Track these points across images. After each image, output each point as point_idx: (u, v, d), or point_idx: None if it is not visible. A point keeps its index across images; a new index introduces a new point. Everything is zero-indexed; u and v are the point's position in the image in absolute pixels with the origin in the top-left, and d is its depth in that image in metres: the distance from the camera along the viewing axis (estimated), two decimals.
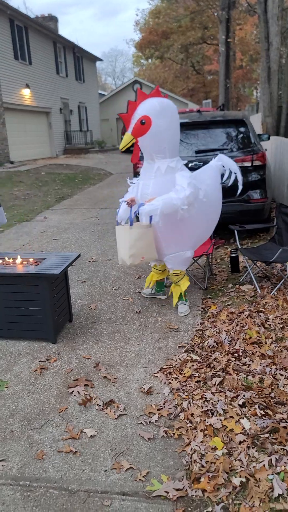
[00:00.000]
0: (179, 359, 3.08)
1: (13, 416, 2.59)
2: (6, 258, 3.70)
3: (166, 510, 1.90)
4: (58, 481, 2.08)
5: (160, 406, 2.60)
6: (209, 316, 3.75)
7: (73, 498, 1.99)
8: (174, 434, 2.36)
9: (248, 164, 5.55)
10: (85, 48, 25.47)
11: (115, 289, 4.53)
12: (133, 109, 3.39)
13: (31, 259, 3.66)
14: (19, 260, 3.63)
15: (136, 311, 3.96)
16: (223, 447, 2.19)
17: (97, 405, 2.65)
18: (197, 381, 2.78)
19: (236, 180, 3.79)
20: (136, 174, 5.85)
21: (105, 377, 2.92)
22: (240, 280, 4.49)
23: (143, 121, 3.28)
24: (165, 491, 1.97)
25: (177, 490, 1.98)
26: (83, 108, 26.03)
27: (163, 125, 3.34)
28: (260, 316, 3.59)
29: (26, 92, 18.55)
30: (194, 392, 2.66)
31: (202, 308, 3.95)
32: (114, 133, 31.14)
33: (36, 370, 3.06)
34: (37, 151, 19.85)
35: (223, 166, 3.80)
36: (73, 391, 2.78)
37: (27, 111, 18.94)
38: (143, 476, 2.08)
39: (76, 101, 24.68)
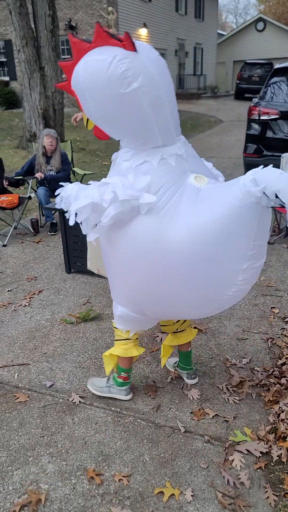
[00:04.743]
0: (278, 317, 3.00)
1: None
2: None
3: (248, 460, 1.94)
4: (146, 414, 2.22)
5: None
6: None
7: (159, 431, 2.11)
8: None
9: None
10: None
11: None
12: (70, 72, 1.81)
13: None
14: None
15: None
16: None
17: None
18: None
19: None
20: (251, 122, 5.51)
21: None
22: None
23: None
24: (247, 449, 2.00)
25: (260, 442, 2.00)
26: (199, 50, 24.83)
27: (96, 105, 1.76)
28: None
29: (143, 32, 18.15)
30: None
31: None
32: (229, 78, 29.45)
33: None
34: None
35: (266, 194, 1.57)
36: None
37: None
38: (227, 425, 2.13)
39: (192, 42, 23.58)
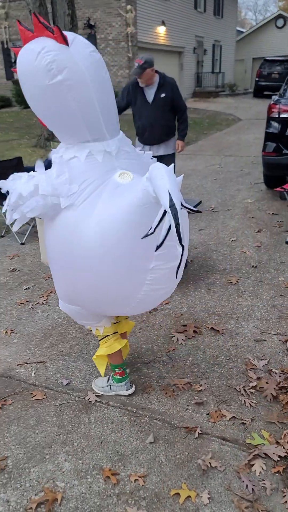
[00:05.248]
0: None
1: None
2: None
3: (267, 464, 1.91)
4: (162, 414, 2.21)
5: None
6: None
7: (175, 432, 2.10)
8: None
9: None
10: None
11: (232, 240, 4.43)
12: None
13: None
14: None
15: (253, 265, 3.84)
16: None
17: (203, 352, 2.70)
18: None
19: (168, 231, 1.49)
20: (270, 120, 5.44)
21: (212, 328, 2.94)
22: None
23: None
24: (265, 453, 1.97)
25: (279, 446, 1.97)
26: (218, 48, 24.62)
27: (28, 93, 1.80)
28: None
29: (161, 29, 18.08)
30: None
31: None
32: (248, 75, 29.14)
33: None
34: None
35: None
36: (178, 338, 2.84)
37: (160, 51, 18.57)
38: (244, 427, 2.10)
39: (211, 39, 23.40)
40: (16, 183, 1.86)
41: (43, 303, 3.33)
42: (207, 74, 22.94)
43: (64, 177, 1.79)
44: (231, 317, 3.07)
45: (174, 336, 2.86)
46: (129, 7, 15.67)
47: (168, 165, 1.76)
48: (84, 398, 2.33)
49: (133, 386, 2.35)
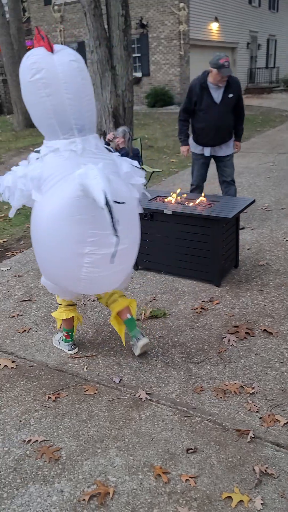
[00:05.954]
0: None
1: (174, 347, 2.77)
2: (180, 198, 3.79)
3: None
4: (213, 415, 2.18)
5: None
6: None
7: (226, 434, 2.07)
8: None
9: None
10: None
11: (286, 240, 4.29)
12: None
13: (205, 201, 3.68)
14: (194, 201, 3.69)
15: None
16: None
17: (256, 354, 2.64)
18: None
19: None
20: None
21: (265, 330, 2.86)
22: None
23: None
24: None
25: None
26: (273, 42, 23.91)
27: (23, 92, 2.16)
28: None
29: (214, 26, 17.85)
30: None
31: None
32: None
33: (197, 308, 3.17)
34: None
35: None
36: (229, 339, 2.79)
37: (212, 47, 18.33)
38: None
39: (265, 34, 22.77)
40: (7, 177, 2.24)
41: (94, 300, 3.39)
42: (260, 70, 22.35)
43: (37, 172, 2.12)
44: (285, 319, 2.98)
45: (226, 337, 2.82)
46: (182, 4, 15.59)
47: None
48: (135, 395, 2.35)
49: (76, 349, 2.76)
